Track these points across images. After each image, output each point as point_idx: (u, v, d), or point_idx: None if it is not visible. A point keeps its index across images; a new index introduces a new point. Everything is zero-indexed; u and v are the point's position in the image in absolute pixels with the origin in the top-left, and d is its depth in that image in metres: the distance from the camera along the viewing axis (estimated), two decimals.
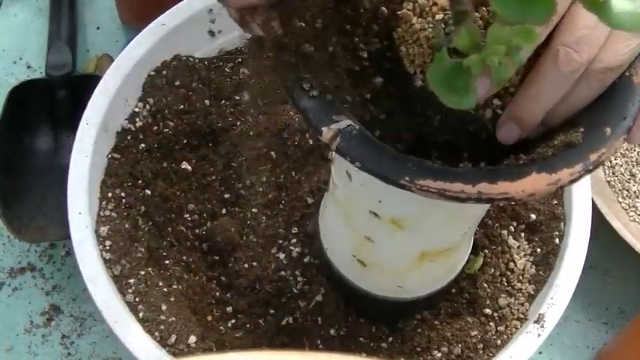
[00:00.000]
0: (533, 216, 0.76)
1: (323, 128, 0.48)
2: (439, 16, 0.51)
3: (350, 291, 0.71)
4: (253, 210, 0.79)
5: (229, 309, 0.75)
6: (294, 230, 0.79)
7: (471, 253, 0.73)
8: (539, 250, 0.75)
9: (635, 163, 0.93)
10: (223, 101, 0.82)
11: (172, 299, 0.73)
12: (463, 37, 0.45)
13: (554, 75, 0.48)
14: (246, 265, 0.77)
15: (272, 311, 0.74)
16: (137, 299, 0.70)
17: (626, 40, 0.48)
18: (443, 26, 0.50)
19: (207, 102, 0.81)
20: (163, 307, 0.71)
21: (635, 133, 0.50)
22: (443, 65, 0.45)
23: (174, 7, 0.81)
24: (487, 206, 0.63)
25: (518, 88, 0.50)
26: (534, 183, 0.46)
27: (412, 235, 0.61)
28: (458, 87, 0.45)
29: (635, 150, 0.94)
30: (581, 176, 0.47)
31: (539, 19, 0.39)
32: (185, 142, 0.80)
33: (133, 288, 0.71)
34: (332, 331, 0.72)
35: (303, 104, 0.49)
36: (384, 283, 0.69)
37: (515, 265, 0.75)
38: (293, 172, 0.81)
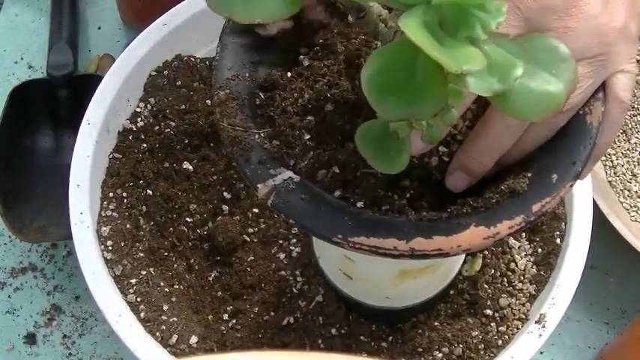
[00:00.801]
0: None
1: (258, 185, 0.47)
2: None
3: (343, 298, 0.72)
4: (254, 210, 0.79)
5: (230, 309, 0.75)
6: (295, 230, 0.79)
7: (469, 254, 0.73)
8: (540, 250, 0.75)
9: (636, 164, 0.93)
10: None
11: (173, 299, 0.73)
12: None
13: (502, 127, 0.48)
14: (247, 265, 0.77)
15: (273, 311, 0.74)
16: (138, 299, 0.70)
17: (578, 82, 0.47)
18: None
19: (208, 102, 0.81)
20: (164, 307, 0.71)
21: (584, 173, 0.50)
22: (372, 129, 0.44)
23: (176, 7, 0.81)
24: None
25: (466, 136, 0.49)
26: (470, 238, 0.46)
27: (384, 260, 0.61)
28: (389, 149, 0.43)
29: (636, 150, 0.94)
30: (521, 229, 0.46)
31: (428, 115, 0.37)
32: (186, 142, 0.80)
33: (135, 288, 0.71)
34: (332, 331, 0.72)
35: (241, 163, 0.48)
36: (371, 294, 0.70)
37: (516, 266, 0.75)
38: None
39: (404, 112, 0.37)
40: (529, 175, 0.47)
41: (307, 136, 0.50)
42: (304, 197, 0.47)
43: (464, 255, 0.72)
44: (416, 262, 0.62)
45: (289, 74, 0.53)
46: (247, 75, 0.52)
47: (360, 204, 0.48)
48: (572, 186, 0.48)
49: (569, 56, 0.40)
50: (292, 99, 0.51)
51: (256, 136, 0.49)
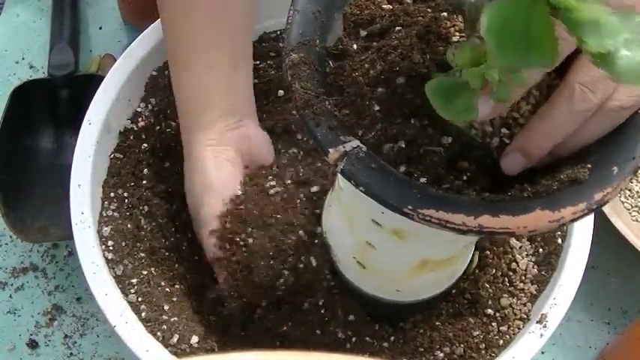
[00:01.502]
0: None
1: (330, 149, 0.48)
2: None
3: (350, 290, 0.72)
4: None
5: (232, 309, 0.75)
6: (297, 230, 0.79)
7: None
8: (541, 250, 0.75)
9: None
10: None
11: (175, 299, 0.73)
12: (465, 53, 0.44)
13: (567, 111, 0.48)
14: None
15: (275, 311, 0.74)
16: (139, 299, 0.70)
17: None
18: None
19: None
20: (165, 307, 0.71)
21: None
22: (443, 81, 0.45)
23: None
24: None
25: (529, 120, 0.50)
26: (536, 220, 0.46)
27: (413, 245, 0.61)
28: (459, 99, 0.44)
29: None
30: (584, 215, 0.47)
31: (539, 65, 0.39)
32: None
33: (136, 288, 0.71)
34: (334, 331, 0.72)
35: (312, 127, 0.49)
36: (382, 286, 0.69)
37: (518, 266, 0.75)
38: (296, 172, 0.81)
39: (520, 59, 0.38)
40: (589, 165, 0.48)
41: (377, 108, 0.50)
42: (374, 167, 0.47)
43: (469, 257, 0.72)
44: (442, 251, 0.63)
45: (359, 45, 0.53)
46: (318, 42, 0.52)
47: (423, 180, 0.49)
48: (630, 180, 0.49)
49: None
50: (363, 69, 0.51)
51: (327, 103, 0.50)
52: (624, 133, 0.50)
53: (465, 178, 0.50)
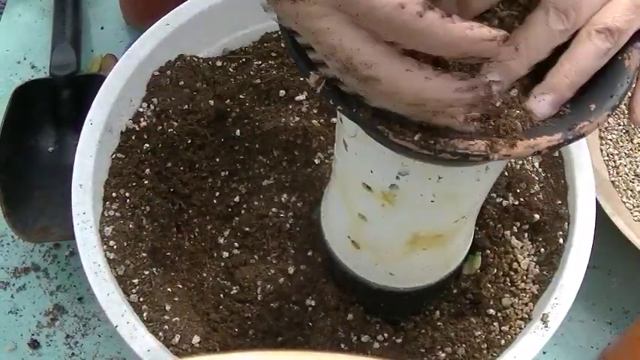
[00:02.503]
0: (536, 216, 0.76)
1: (310, 72, 0.48)
2: None
3: (347, 279, 0.72)
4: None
5: (233, 309, 0.75)
6: (297, 228, 0.79)
7: (469, 253, 0.73)
8: (542, 250, 0.75)
9: (639, 164, 0.93)
10: (228, 101, 0.82)
11: (176, 299, 0.73)
12: None
13: (542, 22, 0.48)
14: (250, 265, 0.77)
15: (276, 311, 0.74)
16: (141, 299, 0.70)
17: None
18: None
19: (211, 102, 0.81)
20: (167, 307, 0.71)
21: (635, 109, 0.51)
22: None
23: (178, 7, 0.81)
24: (479, 193, 0.63)
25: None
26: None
27: (402, 212, 0.61)
28: None
29: (639, 150, 0.94)
30: (559, 145, 0.47)
31: None
32: (189, 142, 0.80)
33: (137, 288, 0.71)
34: (335, 331, 0.72)
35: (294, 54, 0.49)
36: (376, 269, 0.69)
37: (519, 266, 0.75)
38: (296, 173, 0.81)
39: None
40: (567, 104, 0.48)
41: None
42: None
43: (467, 248, 0.72)
44: (431, 223, 0.63)
45: None
46: None
47: None
48: (609, 116, 0.49)
49: None
50: None
51: None
52: (604, 75, 0.50)
53: None
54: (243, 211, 0.80)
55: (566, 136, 0.47)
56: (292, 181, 0.81)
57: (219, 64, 0.84)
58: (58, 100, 0.92)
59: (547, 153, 0.48)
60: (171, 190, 0.78)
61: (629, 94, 0.51)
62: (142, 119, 0.79)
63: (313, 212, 0.78)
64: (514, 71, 0.49)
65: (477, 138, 0.46)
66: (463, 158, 0.46)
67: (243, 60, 0.86)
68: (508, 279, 0.75)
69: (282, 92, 0.84)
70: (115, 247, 0.72)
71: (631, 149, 0.94)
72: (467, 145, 0.46)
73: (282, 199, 0.81)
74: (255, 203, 0.80)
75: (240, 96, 0.83)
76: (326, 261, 0.74)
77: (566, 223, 0.75)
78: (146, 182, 0.77)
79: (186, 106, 0.80)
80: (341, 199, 0.66)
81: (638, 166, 0.92)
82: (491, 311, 0.73)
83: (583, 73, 0.49)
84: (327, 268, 0.74)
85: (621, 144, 0.94)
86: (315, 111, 0.84)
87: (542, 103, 0.49)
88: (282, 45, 0.85)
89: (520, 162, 0.80)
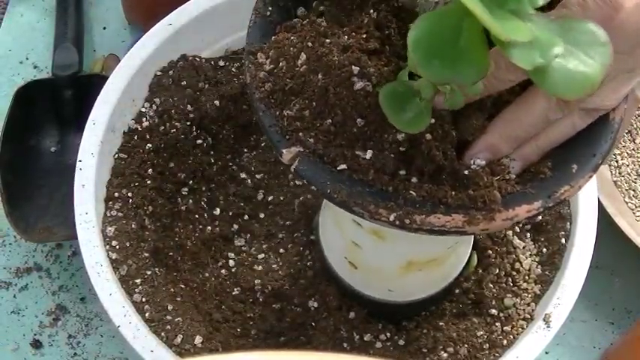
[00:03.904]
0: (538, 216, 0.76)
1: (283, 150, 0.48)
2: None
3: (346, 290, 0.72)
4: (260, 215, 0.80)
5: (235, 309, 0.75)
6: (301, 230, 0.79)
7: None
8: (545, 250, 0.75)
9: None
10: (230, 101, 0.82)
11: (178, 299, 0.73)
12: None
13: (541, 108, 0.48)
14: (251, 265, 0.77)
15: (277, 311, 0.74)
16: (143, 299, 0.70)
17: (617, 85, 0.49)
18: None
19: (215, 102, 0.81)
20: (169, 307, 0.71)
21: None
22: (396, 89, 0.44)
23: (181, 7, 0.81)
24: None
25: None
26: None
27: (395, 245, 0.61)
28: (411, 109, 0.44)
29: None
30: (539, 213, 0.47)
31: (469, 80, 0.39)
32: (192, 142, 0.80)
33: (139, 288, 0.71)
34: (338, 330, 0.72)
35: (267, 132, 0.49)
36: (374, 286, 0.70)
37: (521, 266, 0.75)
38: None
39: (447, 75, 0.38)
40: (549, 163, 0.48)
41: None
42: (325, 168, 0.48)
43: (465, 258, 0.72)
44: (424, 252, 0.63)
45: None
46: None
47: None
48: (591, 177, 0.48)
49: (607, 41, 0.41)
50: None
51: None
52: (588, 130, 0.50)
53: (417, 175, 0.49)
54: (245, 212, 0.81)
55: (546, 204, 0.47)
56: (295, 183, 0.81)
57: (221, 64, 0.84)
58: (60, 100, 0.92)
59: (530, 220, 0.48)
60: (174, 190, 0.78)
61: None
62: (144, 119, 0.79)
63: (315, 215, 0.78)
64: (500, 154, 0.49)
65: (454, 212, 0.46)
66: (440, 234, 0.46)
67: None
68: (510, 279, 0.75)
69: None
70: (117, 247, 0.72)
71: (633, 149, 0.93)
72: (444, 222, 0.46)
73: (285, 200, 0.81)
74: (259, 205, 0.81)
75: (243, 96, 0.83)
76: (326, 271, 0.74)
77: (569, 223, 0.75)
78: (149, 182, 0.77)
79: (188, 106, 0.80)
80: (334, 224, 0.66)
81: None
82: (494, 311, 0.73)
83: (522, 132, 0.49)
84: (326, 272, 0.74)
85: (624, 144, 0.93)
86: None
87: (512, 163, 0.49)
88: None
89: None
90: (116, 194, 0.75)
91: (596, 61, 0.40)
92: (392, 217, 0.46)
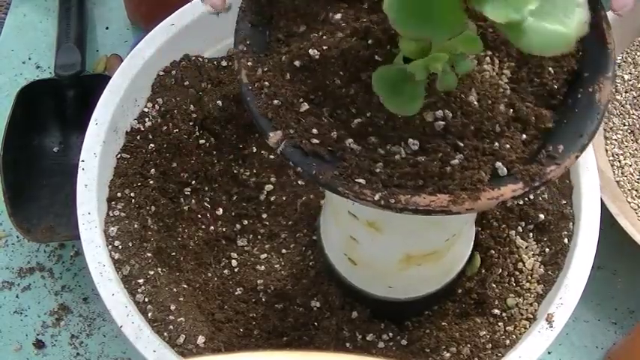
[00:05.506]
0: (541, 216, 0.76)
1: (270, 133, 0.48)
2: None
3: (348, 289, 0.72)
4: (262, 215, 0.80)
5: (238, 309, 0.75)
6: (303, 231, 0.79)
7: (471, 252, 0.73)
8: (547, 250, 0.75)
9: None
10: (233, 101, 0.82)
11: (181, 299, 0.73)
12: (410, 44, 0.44)
13: None
14: (254, 265, 0.77)
15: (280, 311, 0.74)
16: (146, 299, 0.70)
17: None
18: None
19: (218, 102, 0.81)
20: (172, 307, 0.71)
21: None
22: (390, 72, 0.45)
23: (183, 7, 0.81)
24: (466, 216, 0.62)
25: None
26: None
27: (391, 238, 0.60)
28: (404, 92, 0.44)
29: None
30: (525, 193, 0.47)
31: (445, 35, 0.39)
32: (194, 142, 0.80)
33: (142, 288, 0.71)
34: (340, 330, 0.72)
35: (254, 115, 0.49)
36: (374, 282, 0.70)
37: (524, 265, 0.75)
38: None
39: (423, 31, 0.39)
40: (536, 144, 0.48)
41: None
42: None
43: (466, 255, 0.72)
44: (421, 245, 0.63)
45: None
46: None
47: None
48: (577, 157, 0.48)
49: (582, 2, 0.41)
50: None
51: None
52: (575, 111, 0.50)
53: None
54: (248, 212, 0.81)
55: (533, 183, 0.47)
56: (297, 183, 0.81)
57: (224, 64, 0.84)
58: (62, 100, 0.92)
59: (516, 199, 0.47)
60: (177, 190, 0.78)
61: None
62: (147, 119, 0.79)
63: (318, 215, 0.78)
64: None
65: (440, 192, 0.46)
66: (425, 214, 0.46)
67: None
68: (513, 279, 0.74)
69: None
70: (120, 247, 0.72)
71: (636, 149, 0.93)
72: (429, 202, 0.45)
73: (288, 200, 0.81)
74: (262, 205, 0.81)
75: None
76: (327, 270, 0.74)
77: (571, 223, 0.75)
78: (151, 182, 0.77)
79: (191, 106, 0.80)
80: (333, 220, 0.66)
81: None
82: (496, 311, 0.73)
83: None
84: (327, 271, 0.74)
85: (626, 144, 0.93)
86: None
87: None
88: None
89: None
90: (119, 194, 0.75)
91: (572, 21, 0.40)
92: (377, 197, 0.46)
